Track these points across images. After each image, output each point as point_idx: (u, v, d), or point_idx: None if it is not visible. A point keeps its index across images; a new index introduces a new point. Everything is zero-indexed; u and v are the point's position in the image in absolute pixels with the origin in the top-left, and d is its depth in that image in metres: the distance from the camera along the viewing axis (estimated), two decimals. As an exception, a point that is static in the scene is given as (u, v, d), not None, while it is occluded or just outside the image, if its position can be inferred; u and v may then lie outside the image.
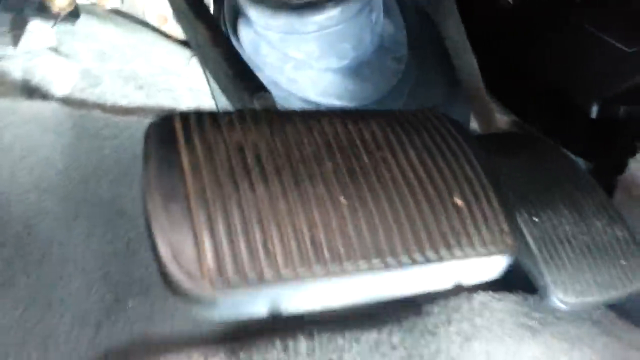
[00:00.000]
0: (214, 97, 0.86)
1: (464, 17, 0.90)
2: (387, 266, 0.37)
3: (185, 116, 0.40)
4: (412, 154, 0.43)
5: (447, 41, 0.93)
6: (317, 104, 0.86)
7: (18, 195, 0.62)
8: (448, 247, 0.39)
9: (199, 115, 0.41)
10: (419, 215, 0.39)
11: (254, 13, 0.79)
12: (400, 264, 0.37)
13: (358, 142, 0.43)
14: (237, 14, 0.85)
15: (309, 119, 0.44)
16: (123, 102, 0.78)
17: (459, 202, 0.42)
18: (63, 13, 0.75)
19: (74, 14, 0.77)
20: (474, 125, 0.93)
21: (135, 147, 0.65)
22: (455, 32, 0.92)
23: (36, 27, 0.76)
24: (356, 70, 0.87)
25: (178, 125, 0.40)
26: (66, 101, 0.76)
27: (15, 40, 0.74)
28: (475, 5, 0.96)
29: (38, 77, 0.75)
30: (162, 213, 0.35)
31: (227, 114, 0.42)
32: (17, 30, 0.74)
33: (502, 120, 0.99)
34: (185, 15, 0.56)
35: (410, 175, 0.42)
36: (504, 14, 0.96)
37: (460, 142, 0.46)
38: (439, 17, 0.92)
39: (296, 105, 0.86)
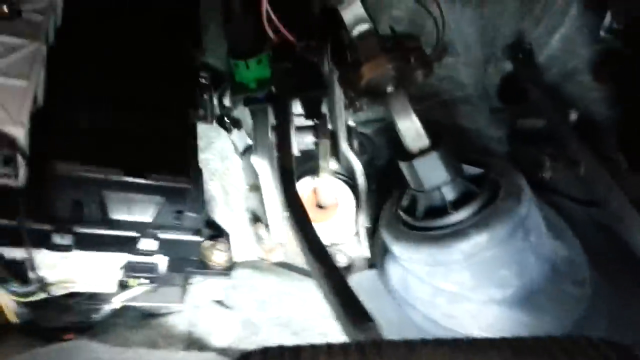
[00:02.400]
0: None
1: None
2: None
3: (264, 353, 0.37)
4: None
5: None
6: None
7: None
8: None
9: (280, 350, 0.37)
10: None
11: (397, 248, 0.77)
12: None
13: None
14: (385, 252, 0.85)
15: (438, 349, 0.35)
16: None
17: None
18: (220, 268, 0.84)
19: (229, 268, 0.85)
20: None
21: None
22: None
23: (199, 283, 0.84)
24: (527, 300, 0.75)
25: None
26: (224, 352, 0.78)
27: (183, 296, 0.83)
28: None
29: (201, 329, 0.80)
30: None
31: (311, 347, 0.38)
32: (184, 287, 0.83)
33: None
34: (301, 247, 0.57)
35: None
36: None
37: None
38: (620, 227, 0.79)
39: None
